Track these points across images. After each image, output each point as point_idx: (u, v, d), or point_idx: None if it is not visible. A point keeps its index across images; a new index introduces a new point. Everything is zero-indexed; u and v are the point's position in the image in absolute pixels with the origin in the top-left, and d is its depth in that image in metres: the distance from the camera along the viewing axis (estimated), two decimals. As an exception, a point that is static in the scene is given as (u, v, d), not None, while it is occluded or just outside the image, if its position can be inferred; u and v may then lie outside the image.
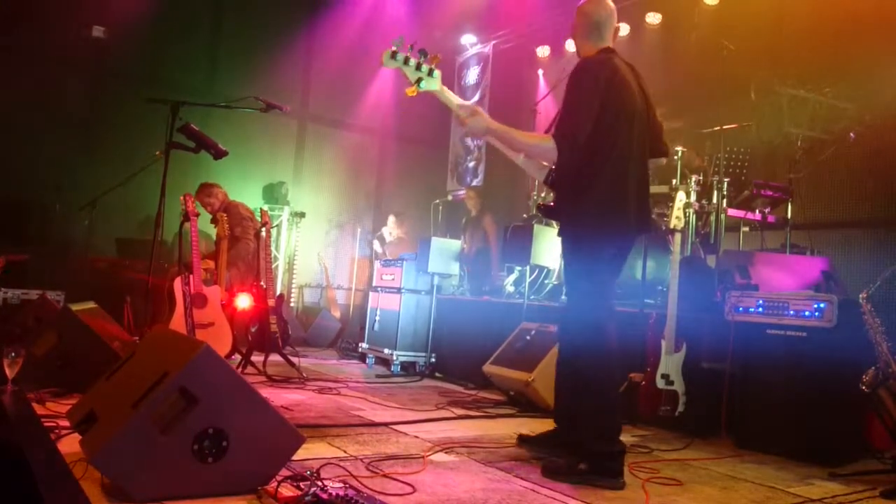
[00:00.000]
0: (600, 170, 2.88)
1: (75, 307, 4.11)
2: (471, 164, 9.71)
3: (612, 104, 2.88)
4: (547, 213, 3.24)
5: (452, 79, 10.14)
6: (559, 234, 3.11)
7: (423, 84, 2.92)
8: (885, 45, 5.40)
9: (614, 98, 2.90)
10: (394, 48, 2.93)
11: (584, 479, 2.79)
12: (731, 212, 5.38)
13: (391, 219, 8.42)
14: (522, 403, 4.55)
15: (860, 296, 3.35)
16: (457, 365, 5.78)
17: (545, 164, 3.04)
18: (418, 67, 2.92)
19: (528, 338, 4.80)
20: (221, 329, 5.13)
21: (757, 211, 5.34)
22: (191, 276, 5.04)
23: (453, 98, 3.04)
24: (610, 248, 2.99)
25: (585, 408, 2.92)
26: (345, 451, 3.01)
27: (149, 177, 5.29)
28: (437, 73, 2.96)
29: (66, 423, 2.74)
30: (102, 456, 2.08)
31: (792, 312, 3.64)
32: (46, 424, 2.84)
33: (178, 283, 5.06)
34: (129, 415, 2.14)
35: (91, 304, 4.46)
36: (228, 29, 8.73)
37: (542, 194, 6.44)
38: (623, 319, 4.63)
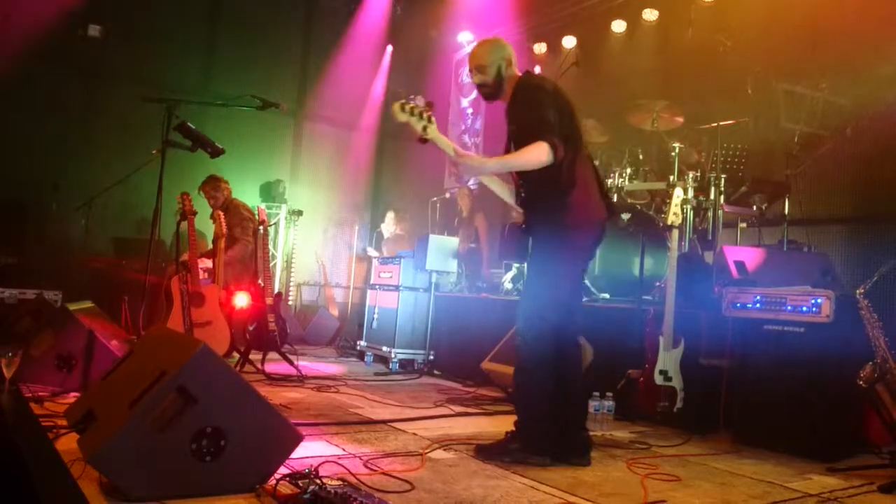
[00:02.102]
0: (572, 172, 3.09)
1: (73, 307, 4.11)
2: (468, 162, 9.68)
3: (563, 108, 3.13)
4: (523, 233, 3.32)
5: (450, 76, 10.13)
6: (533, 243, 3.28)
7: (429, 132, 3.18)
8: (881, 41, 5.40)
9: (562, 102, 3.15)
10: (402, 101, 3.19)
11: (514, 457, 3.01)
12: (728, 208, 5.38)
13: (390, 215, 8.42)
14: (521, 400, 4.54)
15: (857, 291, 3.36)
16: (455, 362, 5.78)
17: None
18: (421, 117, 3.17)
19: (526, 335, 4.79)
20: (219, 328, 5.13)
21: (754, 207, 5.35)
22: (188, 275, 5.03)
23: (448, 143, 3.27)
24: (589, 246, 3.24)
25: (528, 391, 3.15)
26: (343, 449, 3.01)
27: (145, 176, 5.27)
28: (433, 120, 3.21)
29: (63, 422, 2.74)
30: (100, 455, 2.08)
31: (789, 308, 3.64)
32: (44, 424, 2.83)
33: (175, 282, 5.05)
34: (126, 414, 2.14)
35: (88, 304, 4.46)
36: (225, 27, 8.72)
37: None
38: (620, 315, 4.65)
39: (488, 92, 3.32)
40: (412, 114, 3.14)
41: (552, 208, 3.11)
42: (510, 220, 6.14)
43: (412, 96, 3.26)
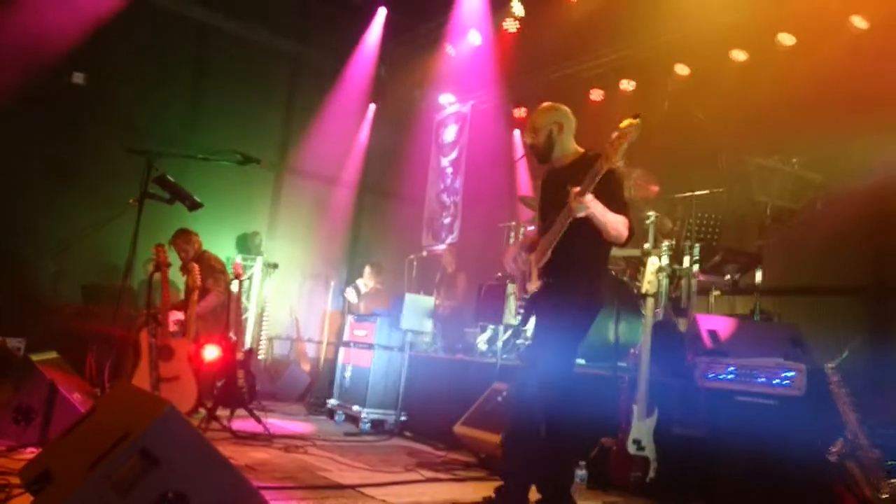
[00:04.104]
0: (605, 259, 3.48)
1: (36, 357, 4.00)
2: (446, 221, 9.77)
3: None
4: (539, 297, 3.37)
5: (431, 136, 10.29)
6: (547, 308, 3.34)
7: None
8: (850, 118, 5.61)
9: None
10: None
11: None
12: (702, 276, 5.45)
13: (367, 269, 8.38)
14: (493, 466, 4.47)
15: (828, 366, 3.38)
16: (427, 424, 5.68)
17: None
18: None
19: (499, 399, 4.75)
20: (186, 383, 5.00)
21: (727, 276, 5.42)
22: (158, 328, 4.94)
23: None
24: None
25: (566, 461, 3.35)
26: (309, 516, 2.92)
27: (120, 224, 5.23)
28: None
29: (17, 480, 2.62)
30: (54, 520, 2.00)
31: (762, 380, 3.66)
32: (-3, 483, 2.72)
33: (144, 335, 4.95)
34: (85, 477, 2.06)
35: (52, 354, 4.35)
36: (209, 80, 8.78)
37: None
38: (596, 382, 4.63)
39: (538, 153, 3.49)
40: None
41: (584, 286, 3.30)
42: (487, 281, 6.17)
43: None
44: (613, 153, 3.08)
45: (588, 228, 3.20)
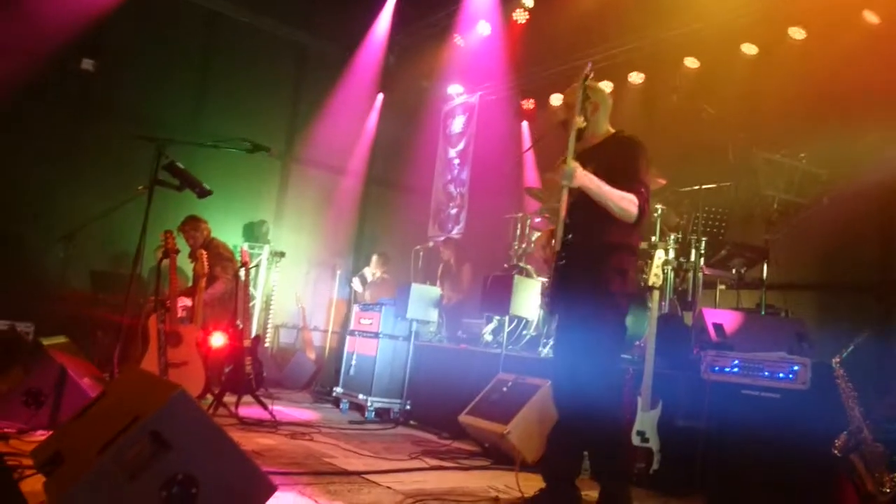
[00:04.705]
0: (637, 247, 3.25)
1: (46, 341, 4.04)
2: (453, 212, 9.78)
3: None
4: (559, 271, 3.25)
5: (439, 127, 10.28)
6: (572, 294, 3.20)
7: (577, 123, 3.13)
8: (858, 114, 5.60)
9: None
10: (589, 81, 3.17)
11: None
12: (708, 270, 5.45)
13: (374, 258, 8.40)
14: (497, 455, 4.50)
15: (833, 360, 3.39)
16: (432, 413, 5.72)
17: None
18: (584, 108, 3.17)
19: (504, 389, 4.77)
20: (195, 369, 5.05)
21: (734, 270, 5.42)
22: (166, 314, 4.97)
23: (572, 148, 3.15)
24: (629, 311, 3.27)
25: (619, 460, 3.20)
26: (315, 501, 2.95)
27: (129, 211, 5.26)
28: (586, 122, 3.21)
29: (29, 462, 2.66)
30: (67, 500, 2.03)
31: (766, 374, 3.67)
32: (9, 463, 2.75)
33: (153, 321, 4.99)
34: (96, 459, 2.09)
35: (62, 339, 4.39)
36: (217, 68, 8.81)
37: (524, 245, 6.48)
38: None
39: (567, 131, 3.32)
40: (584, 101, 3.09)
41: (606, 270, 3.13)
42: (491, 271, 6.18)
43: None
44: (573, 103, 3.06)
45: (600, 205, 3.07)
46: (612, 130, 3.37)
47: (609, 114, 3.38)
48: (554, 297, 3.34)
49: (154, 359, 4.84)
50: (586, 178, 3.02)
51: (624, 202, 3.05)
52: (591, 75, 3.21)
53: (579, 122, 3.06)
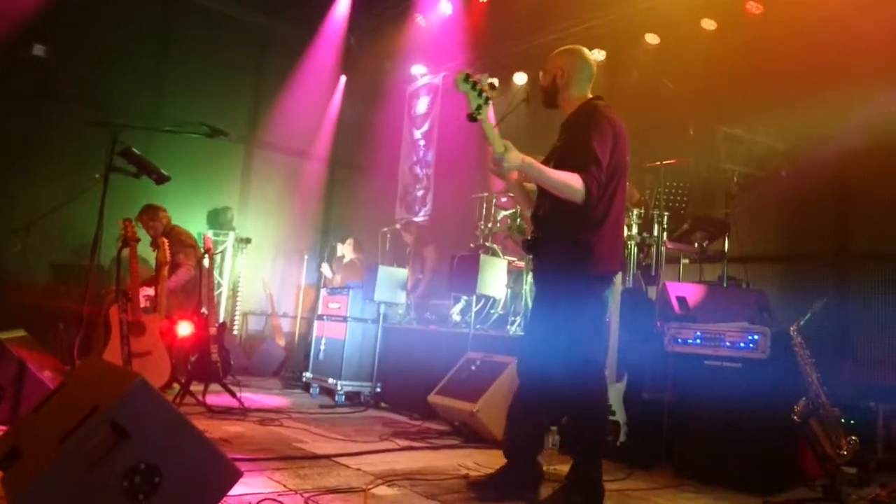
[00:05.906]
0: (603, 222, 2.98)
1: (3, 335, 3.94)
2: (419, 193, 9.75)
3: (617, 156, 3.01)
4: (530, 249, 3.18)
5: (403, 108, 10.21)
6: (544, 272, 3.14)
7: (481, 113, 2.95)
8: (813, 87, 5.68)
9: (619, 151, 3.02)
10: (468, 72, 2.98)
11: None
12: (671, 244, 5.52)
13: (350, 240, 8.31)
14: (467, 434, 4.54)
15: (791, 328, 3.47)
16: (402, 395, 5.73)
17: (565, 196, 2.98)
18: (480, 95, 2.95)
19: (473, 368, 4.80)
20: (159, 358, 4.99)
21: (696, 244, 5.50)
22: (128, 304, 4.89)
23: (494, 131, 3.04)
24: (604, 291, 3.11)
25: (590, 439, 3.01)
26: (284, 486, 2.95)
27: (87, 200, 5.14)
28: (490, 103, 2.99)
29: (-13, 458, 2.61)
30: (25, 495, 1.99)
31: (728, 344, 3.74)
32: (-33, 460, 2.69)
33: (114, 311, 4.90)
34: (55, 450, 2.05)
35: (20, 332, 4.29)
36: (175, 52, 8.60)
37: (489, 225, 6.49)
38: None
39: (543, 97, 3.27)
40: (473, 87, 2.93)
41: (578, 245, 2.97)
42: (459, 252, 6.19)
43: (482, 74, 2.98)
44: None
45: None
46: (589, 97, 3.20)
47: (588, 79, 3.20)
48: (534, 270, 3.34)
49: (117, 349, 4.76)
50: (518, 161, 2.90)
51: (563, 184, 2.88)
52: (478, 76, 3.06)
53: (479, 114, 2.91)
